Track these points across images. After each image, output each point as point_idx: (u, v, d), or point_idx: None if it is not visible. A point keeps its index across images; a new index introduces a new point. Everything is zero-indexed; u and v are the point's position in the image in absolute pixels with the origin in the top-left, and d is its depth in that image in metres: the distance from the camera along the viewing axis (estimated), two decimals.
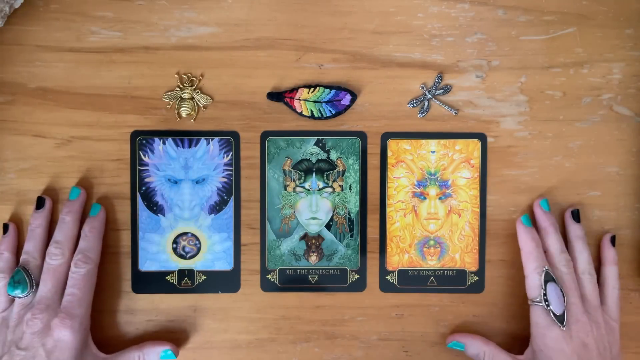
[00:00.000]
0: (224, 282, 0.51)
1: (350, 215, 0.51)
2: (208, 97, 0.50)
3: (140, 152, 0.50)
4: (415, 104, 0.51)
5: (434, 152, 0.51)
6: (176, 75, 0.50)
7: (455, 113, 0.51)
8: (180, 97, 0.50)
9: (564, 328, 0.44)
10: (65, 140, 0.50)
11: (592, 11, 0.51)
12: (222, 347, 0.51)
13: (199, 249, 0.51)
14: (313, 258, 0.51)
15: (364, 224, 0.51)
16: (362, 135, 0.51)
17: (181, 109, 0.50)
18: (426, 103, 0.51)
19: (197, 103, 0.50)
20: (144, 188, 0.50)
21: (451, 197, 0.51)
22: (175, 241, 0.51)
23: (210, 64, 0.50)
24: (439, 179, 0.51)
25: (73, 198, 0.49)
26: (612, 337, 0.46)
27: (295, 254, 0.51)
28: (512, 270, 0.51)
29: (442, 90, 0.51)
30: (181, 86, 0.50)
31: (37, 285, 0.46)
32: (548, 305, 0.45)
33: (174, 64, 0.50)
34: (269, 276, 0.51)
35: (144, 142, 0.50)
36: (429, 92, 0.51)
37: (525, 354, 0.47)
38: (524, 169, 0.51)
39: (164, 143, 0.50)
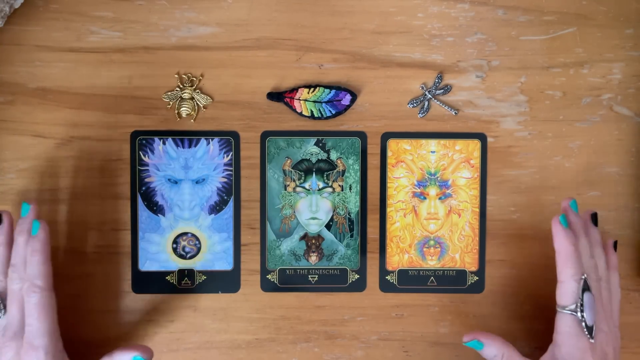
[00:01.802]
0: (224, 282, 0.51)
1: (350, 215, 0.51)
2: (208, 97, 0.50)
3: (140, 152, 0.50)
4: (415, 104, 0.51)
5: (434, 152, 0.51)
6: (176, 75, 0.50)
7: (455, 113, 0.51)
8: (180, 97, 0.50)
9: (592, 340, 0.42)
10: (65, 140, 0.50)
11: (592, 11, 0.51)
12: (222, 347, 0.51)
13: (199, 249, 0.51)
14: (313, 258, 0.51)
15: (364, 224, 0.51)
16: (362, 135, 0.51)
17: (181, 109, 0.50)
18: (426, 103, 0.51)
19: (197, 103, 0.50)
20: (144, 188, 0.50)
21: (451, 197, 0.51)
22: (175, 241, 0.51)
23: (210, 64, 0.50)
24: (439, 179, 0.51)
25: (24, 214, 0.46)
26: (617, 343, 0.46)
27: (295, 254, 0.51)
28: (512, 270, 0.51)
29: (442, 90, 0.51)
30: (181, 86, 0.50)
31: (6, 307, 0.44)
32: (583, 317, 0.42)
33: (174, 64, 0.50)
34: (269, 276, 0.51)
35: (144, 142, 0.50)
36: (429, 92, 0.51)
37: (545, 358, 0.45)
38: (524, 169, 0.51)
39: (164, 143, 0.50)
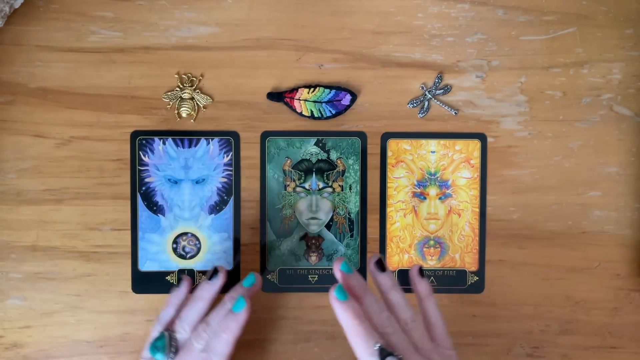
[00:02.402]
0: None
1: (350, 215, 0.51)
2: (208, 97, 0.50)
3: (140, 152, 0.50)
4: (415, 104, 0.51)
5: (434, 152, 0.51)
6: (176, 75, 0.50)
7: (455, 113, 0.51)
8: (180, 97, 0.50)
9: None
10: (65, 140, 0.50)
11: (592, 11, 0.51)
12: None
13: (199, 249, 0.51)
14: (313, 258, 0.51)
15: (364, 224, 0.51)
16: (362, 135, 0.51)
17: (181, 109, 0.50)
18: (426, 103, 0.51)
19: (197, 103, 0.50)
20: (144, 188, 0.50)
21: (451, 197, 0.51)
22: (175, 241, 0.51)
23: (210, 64, 0.50)
24: (439, 179, 0.51)
25: (246, 285, 0.46)
26: None
27: (295, 254, 0.51)
28: (512, 270, 0.51)
29: (442, 90, 0.51)
30: (181, 86, 0.50)
31: (176, 356, 0.43)
32: None
33: (174, 64, 0.50)
34: (269, 276, 0.51)
35: (144, 142, 0.50)
36: (429, 92, 0.51)
37: None
38: (524, 169, 0.51)
39: (164, 143, 0.50)
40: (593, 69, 0.51)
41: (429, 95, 0.51)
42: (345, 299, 0.40)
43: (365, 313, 0.41)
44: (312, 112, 0.50)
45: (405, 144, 0.51)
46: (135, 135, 0.50)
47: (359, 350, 0.39)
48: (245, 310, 0.43)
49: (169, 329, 0.44)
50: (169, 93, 0.50)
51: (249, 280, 0.46)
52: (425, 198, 0.51)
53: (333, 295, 0.40)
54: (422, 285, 0.44)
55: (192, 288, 0.47)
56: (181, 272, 0.51)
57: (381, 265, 0.43)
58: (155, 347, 0.43)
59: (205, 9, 0.50)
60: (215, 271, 0.46)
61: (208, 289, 0.45)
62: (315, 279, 0.51)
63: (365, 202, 0.51)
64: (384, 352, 0.38)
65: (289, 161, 0.51)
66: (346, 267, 0.42)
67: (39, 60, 0.50)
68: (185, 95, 0.50)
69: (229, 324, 0.43)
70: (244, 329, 0.51)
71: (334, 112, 0.50)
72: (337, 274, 0.42)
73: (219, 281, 0.46)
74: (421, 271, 0.45)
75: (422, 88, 0.51)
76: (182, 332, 0.44)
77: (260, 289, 0.48)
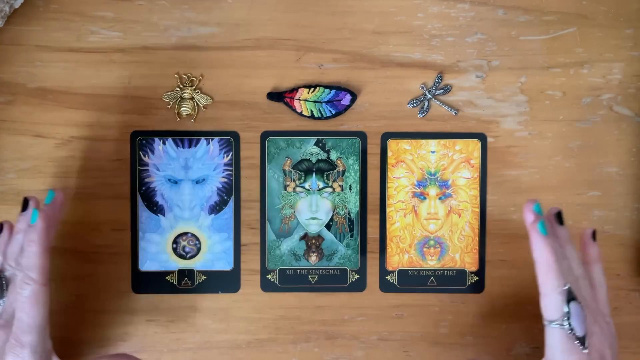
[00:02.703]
0: (224, 282, 0.51)
1: (350, 215, 0.51)
2: (208, 97, 0.50)
3: (140, 152, 0.50)
4: (415, 104, 0.51)
5: (434, 152, 0.51)
6: (176, 75, 0.50)
7: (455, 113, 0.51)
8: (180, 97, 0.50)
9: (586, 350, 0.39)
10: (65, 140, 0.50)
11: (592, 11, 0.51)
12: (222, 347, 0.51)
13: (199, 249, 0.51)
14: (313, 258, 0.51)
15: (364, 224, 0.51)
16: (362, 135, 0.51)
17: (181, 109, 0.50)
18: (426, 103, 0.51)
19: (197, 103, 0.50)
20: (144, 188, 0.50)
21: (451, 197, 0.51)
22: (175, 241, 0.51)
23: (210, 64, 0.50)
24: (439, 179, 0.51)
25: (47, 202, 0.45)
26: (613, 338, 0.43)
27: (295, 254, 0.51)
28: (512, 270, 0.51)
29: (442, 90, 0.51)
30: (181, 86, 0.50)
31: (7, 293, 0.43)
32: (572, 329, 0.39)
33: (174, 64, 0.50)
34: (269, 276, 0.51)
35: (144, 142, 0.50)
36: (429, 92, 0.51)
37: None
38: (524, 169, 0.51)
39: (164, 143, 0.50)
40: (593, 69, 0.51)
41: (429, 95, 0.51)
42: (547, 234, 0.41)
43: None
44: (312, 112, 0.50)
45: (405, 144, 0.51)
46: (135, 135, 0.50)
47: (548, 285, 0.40)
48: (41, 218, 0.42)
49: None
50: (169, 93, 0.50)
51: (48, 197, 0.45)
52: (425, 198, 0.51)
53: (536, 228, 0.41)
54: (594, 250, 0.44)
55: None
56: (181, 272, 0.51)
57: (560, 218, 0.44)
58: None
59: (205, 9, 0.50)
60: (25, 201, 0.45)
61: (23, 220, 0.45)
62: (315, 279, 0.51)
63: (365, 202, 0.51)
64: (570, 295, 0.40)
65: (289, 161, 0.51)
66: (538, 209, 0.43)
67: (38, 60, 0.50)
68: (185, 95, 0.50)
69: (30, 236, 0.42)
70: (244, 330, 0.51)
71: (334, 112, 0.50)
72: (529, 214, 0.42)
73: (31, 208, 0.45)
74: (594, 235, 0.45)
75: (422, 88, 0.51)
76: (8, 268, 0.43)
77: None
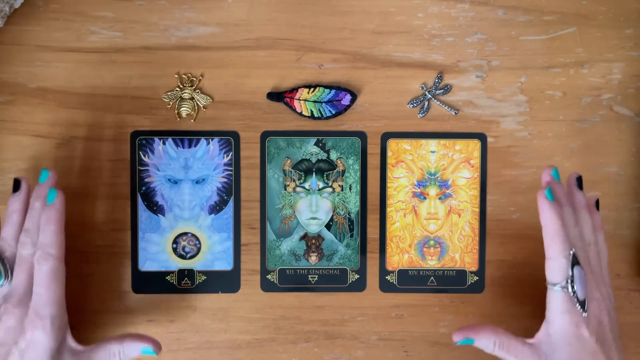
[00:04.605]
0: (224, 282, 0.51)
1: (350, 215, 0.51)
2: (208, 97, 0.50)
3: (140, 152, 0.50)
4: (415, 104, 0.51)
5: (434, 152, 0.51)
6: (176, 75, 0.50)
7: (455, 113, 0.51)
8: (180, 97, 0.50)
9: (585, 313, 0.41)
10: (65, 140, 0.50)
11: (592, 11, 0.51)
12: (222, 347, 0.51)
13: (199, 249, 0.51)
14: (313, 258, 0.51)
15: (364, 224, 0.51)
16: (362, 135, 0.51)
17: (181, 109, 0.50)
18: (426, 103, 0.51)
19: (197, 103, 0.50)
20: (144, 188, 0.50)
21: (451, 197, 0.51)
22: (175, 241, 0.51)
23: (210, 64, 0.50)
24: (439, 179, 0.51)
25: (42, 181, 0.45)
26: (611, 305, 0.44)
27: (295, 254, 0.51)
28: (512, 270, 0.51)
29: (442, 90, 0.51)
30: (181, 86, 0.50)
31: (13, 274, 0.44)
32: (574, 292, 0.41)
33: (174, 64, 0.50)
34: (269, 276, 0.51)
35: (144, 142, 0.50)
36: (429, 92, 0.51)
37: (538, 337, 0.43)
38: (524, 169, 0.51)
39: (164, 143, 0.50)
40: (593, 69, 0.51)
41: (429, 95, 0.51)
42: (553, 200, 0.43)
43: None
44: (312, 112, 0.50)
45: (405, 144, 0.51)
46: (135, 135, 0.50)
47: (554, 249, 0.42)
48: (59, 197, 0.44)
49: None
50: (169, 93, 0.50)
51: (43, 176, 0.46)
52: (425, 198, 0.51)
53: (543, 194, 0.43)
54: (596, 218, 0.46)
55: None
56: (181, 272, 0.51)
57: (580, 183, 0.46)
58: None
59: (205, 9, 0.50)
60: (16, 182, 0.46)
61: (17, 200, 0.45)
62: (315, 279, 0.51)
63: (365, 202, 0.51)
64: (575, 260, 0.41)
65: (289, 161, 0.51)
66: (556, 175, 0.45)
67: (39, 60, 0.50)
68: (185, 95, 0.50)
69: (49, 214, 0.43)
70: (244, 330, 0.51)
71: (334, 112, 0.50)
72: (546, 177, 0.45)
73: (23, 189, 0.46)
74: (597, 204, 0.47)
75: (422, 88, 0.51)
76: (7, 248, 0.44)
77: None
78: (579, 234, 0.44)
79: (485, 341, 0.44)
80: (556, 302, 0.42)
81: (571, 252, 0.41)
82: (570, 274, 0.41)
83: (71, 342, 0.44)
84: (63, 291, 0.43)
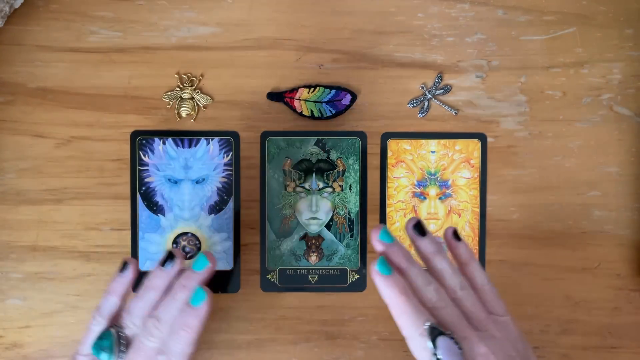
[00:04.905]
0: (224, 282, 0.51)
1: (350, 215, 0.51)
2: (208, 97, 0.50)
3: (140, 152, 0.50)
4: (415, 104, 0.51)
5: (434, 152, 0.51)
6: (176, 75, 0.50)
7: (455, 113, 0.51)
8: (180, 97, 0.50)
9: None
10: (65, 140, 0.50)
11: (592, 11, 0.51)
12: (222, 347, 0.51)
13: (199, 249, 0.51)
14: (313, 258, 0.51)
15: (364, 224, 0.51)
16: (362, 135, 0.51)
17: (181, 109, 0.50)
18: (426, 103, 0.51)
19: (197, 103, 0.50)
20: (144, 188, 0.50)
21: (451, 197, 0.51)
22: (175, 241, 0.51)
23: (210, 64, 0.50)
24: (439, 179, 0.51)
25: (198, 269, 0.39)
26: (510, 335, 0.37)
27: (295, 254, 0.51)
28: (512, 270, 0.51)
29: (442, 90, 0.51)
30: (181, 86, 0.50)
31: (124, 356, 0.38)
32: None
33: (174, 64, 0.50)
34: (269, 276, 0.51)
35: (144, 142, 0.50)
36: (429, 92, 0.51)
37: None
38: (524, 169, 0.51)
39: (164, 143, 0.50)
40: (593, 69, 0.51)
41: (429, 95, 0.51)
42: (389, 273, 0.36)
43: (410, 287, 0.37)
44: (312, 112, 0.50)
45: (405, 144, 0.51)
46: (135, 135, 0.50)
47: (407, 330, 0.35)
48: (206, 304, 0.38)
49: (115, 323, 0.39)
50: (169, 93, 0.50)
51: (200, 263, 0.40)
52: (425, 198, 0.51)
53: (375, 269, 0.36)
54: (460, 249, 0.39)
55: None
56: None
57: (421, 228, 0.39)
58: (101, 346, 0.38)
59: (205, 9, 0.50)
60: (171, 256, 0.40)
61: (163, 277, 0.40)
62: (315, 279, 0.51)
63: (365, 202, 0.51)
64: (434, 332, 0.35)
65: (289, 161, 0.51)
66: (386, 236, 0.37)
67: (38, 60, 0.50)
68: (185, 95, 0.50)
69: (189, 321, 0.38)
70: (244, 330, 0.51)
71: (334, 112, 0.50)
72: (377, 245, 0.37)
73: (175, 268, 0.40)
74: (456, 234, 0.40)
75: (422, 88, 0.51)
76: (132, 327, 0.39)
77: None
78: (436, 291, 0.37)
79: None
80: None
81: (426, 326, 0.35)
82: (432, 347, 0.34)
83: None
84: None
